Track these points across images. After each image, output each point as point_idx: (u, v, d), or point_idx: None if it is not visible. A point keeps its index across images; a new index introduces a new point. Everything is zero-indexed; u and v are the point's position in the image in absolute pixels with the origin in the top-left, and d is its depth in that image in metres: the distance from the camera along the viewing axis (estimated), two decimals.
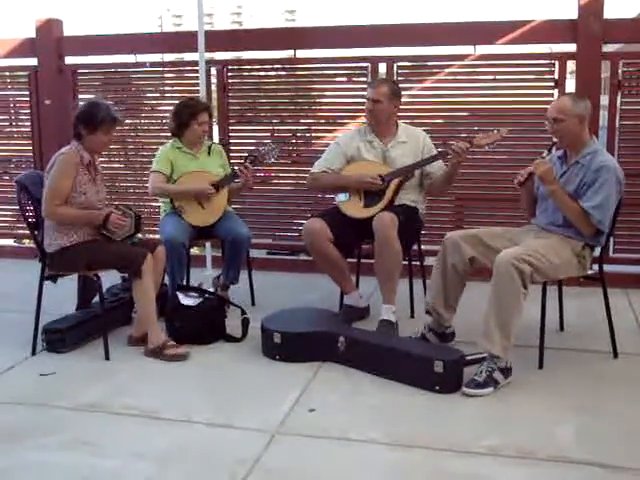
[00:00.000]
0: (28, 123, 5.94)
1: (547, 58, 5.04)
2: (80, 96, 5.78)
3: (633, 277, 4.97)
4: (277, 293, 4.81)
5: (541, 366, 3.46)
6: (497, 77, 5.11)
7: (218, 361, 3.66)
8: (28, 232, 3.93)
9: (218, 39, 5.57)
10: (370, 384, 3.34)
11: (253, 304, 4.55)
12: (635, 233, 4.96)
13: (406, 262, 4.13)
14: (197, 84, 5.29)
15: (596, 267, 3.62)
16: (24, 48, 5.86)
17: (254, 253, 4.91)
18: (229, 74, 5.52)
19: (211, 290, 4.25)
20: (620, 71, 4.85)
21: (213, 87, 5.56)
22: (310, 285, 4.87)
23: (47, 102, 5.78)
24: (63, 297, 4.09)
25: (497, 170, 5.14)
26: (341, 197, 4.15)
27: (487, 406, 3.08)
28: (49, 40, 5.74)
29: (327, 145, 4.45)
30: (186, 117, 4.32)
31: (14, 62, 6.03)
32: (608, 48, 4.92)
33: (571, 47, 4.91)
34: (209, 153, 4.46)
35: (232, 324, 3.97)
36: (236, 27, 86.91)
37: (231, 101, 5.55)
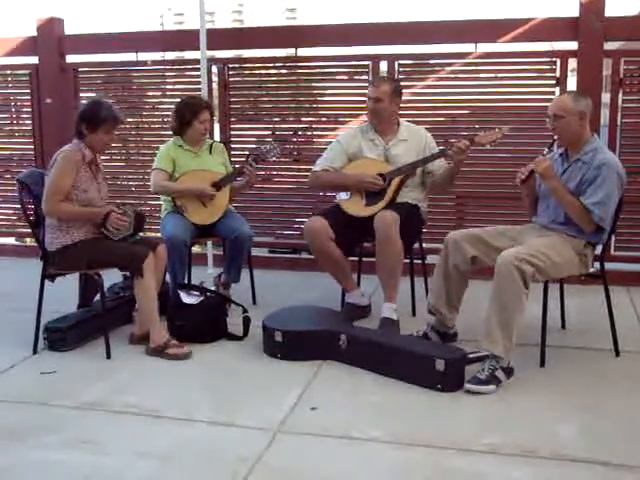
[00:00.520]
0: (29, 122, 5.95)
1: (548, 56, 5.04)
2: (81, 94, 5.79)
3: (635, 275, 4.97)
4: (278, 291, 4.81)
5: (543, 364, 3.45)
6: (498, 75, 5.11)
7: (219, 360, 3.65)
8: (29, 230, 3.93)
9: (219, 37, 5.57)
10: (372, 382, 3.34)
11: (254, 303, 4.55)
12: (636, 231, 4.96)
13: (407, 260, 4.13)
14: (198, 82, 5.29)
15: (597, 265, 3.61)
16: (25, 47, 5.87)
17: (255, 251, 4.91)
18: (230, 72, 5.52)
19: (212, 289, 4.25)
20: (621, 69, 4.85)
21: (214, 85, 5.56)
22: (311, 283, 4.87)
23: (48, 101, 5.79)
24: (64, 296, 4.09)
25: (498, 168, 5.14)
26: (342, 195, 4.15)
27: (488, 404, 3.08)
28: (50, 39, 5.75)
29: (328, 143, 4.45)
30: (188, 115, 4.31)
31: (15, 61, 6.04)
32: (609, 46, 4.90)
33: (572, 45, 4.91)
34: (210, 151, 4.46)
35: (233, 322, 3.97)
36: (237, 25, 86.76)
37: (232, 99, 5.55)
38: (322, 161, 4.23)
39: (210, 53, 5.34)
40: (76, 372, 3.52)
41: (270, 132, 5.46)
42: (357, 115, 5.22)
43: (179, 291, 3.97)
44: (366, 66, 5.25)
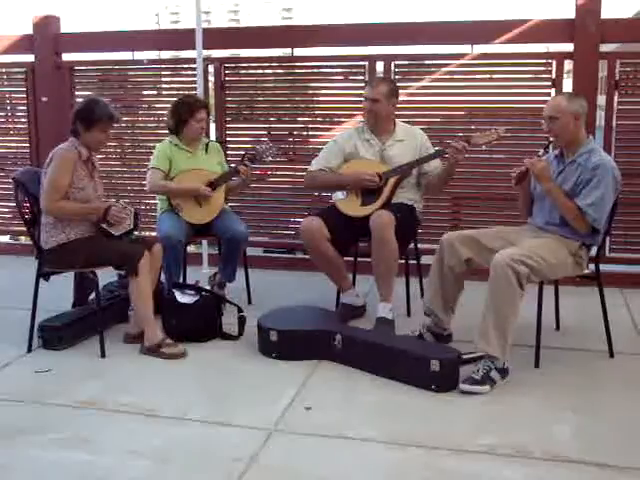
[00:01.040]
0: (25, 120, 5.93)
1: (544, 58, 5.04)
2: (77, 93, 5.78)
3: (629, 277, 4.98)
4: (274, 291, 4.81)
5: (537, 365, 3.46)
6: (494, 76, 5.12)
7: (214, 359, 3.65)
8: (24, 229, 3.92)
9: (216, 37, 5.56)
10: (367, 382, 3.34)
11: (250, 302, 4.55)
12: (631, 233, 4.97)
13: (403, 261, 4.13)
14: (194, 82, 5.28)
15: (592, 267, 3.62)
16: (21, 45, 5.85)
17: (250, 251, 4.91)
18: (226, 72, 5.51)
19: (208, 288, 4.24)
20: (617, 71, 4.86)
21: (210, 85, 5.55)
22: (307, 283, 4.87)
23: (44, 99, 5.77)
24: (59, 294, 4.08)
25: (494, 169, 5.15)
26: (338, 195, 4.15)
27: (484, 405, 3.08)
28: (46, 37, 5.74)
29: (324, 143, 4.45)
30: (184, 114, 4.31)
31: (11, 58, 6.02)
32: (605, 48, 4.91)
33: (568, 47, 4.91)
34: (206, 151, 4.45)
35: (228, 322, 3.96)
36: (233, 25, 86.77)
37: (228, 99, 5.55)
38: (318, 161, 4.23)
39: (206, 52, 5.33)
40: (71, 371, 3.51)
41: (266, 132, 5.46)
42: (353, 115, 5.22)
43: (174, 290, 3.97)
44: (362, 66, 5.25)
